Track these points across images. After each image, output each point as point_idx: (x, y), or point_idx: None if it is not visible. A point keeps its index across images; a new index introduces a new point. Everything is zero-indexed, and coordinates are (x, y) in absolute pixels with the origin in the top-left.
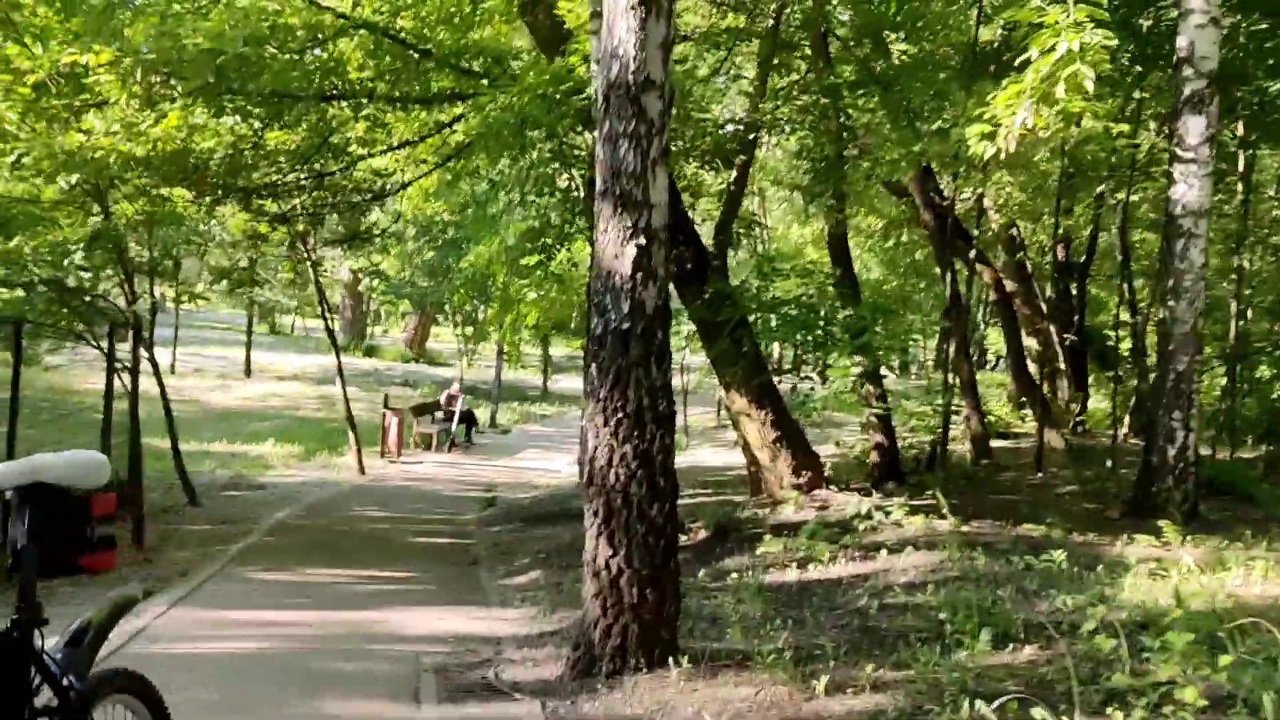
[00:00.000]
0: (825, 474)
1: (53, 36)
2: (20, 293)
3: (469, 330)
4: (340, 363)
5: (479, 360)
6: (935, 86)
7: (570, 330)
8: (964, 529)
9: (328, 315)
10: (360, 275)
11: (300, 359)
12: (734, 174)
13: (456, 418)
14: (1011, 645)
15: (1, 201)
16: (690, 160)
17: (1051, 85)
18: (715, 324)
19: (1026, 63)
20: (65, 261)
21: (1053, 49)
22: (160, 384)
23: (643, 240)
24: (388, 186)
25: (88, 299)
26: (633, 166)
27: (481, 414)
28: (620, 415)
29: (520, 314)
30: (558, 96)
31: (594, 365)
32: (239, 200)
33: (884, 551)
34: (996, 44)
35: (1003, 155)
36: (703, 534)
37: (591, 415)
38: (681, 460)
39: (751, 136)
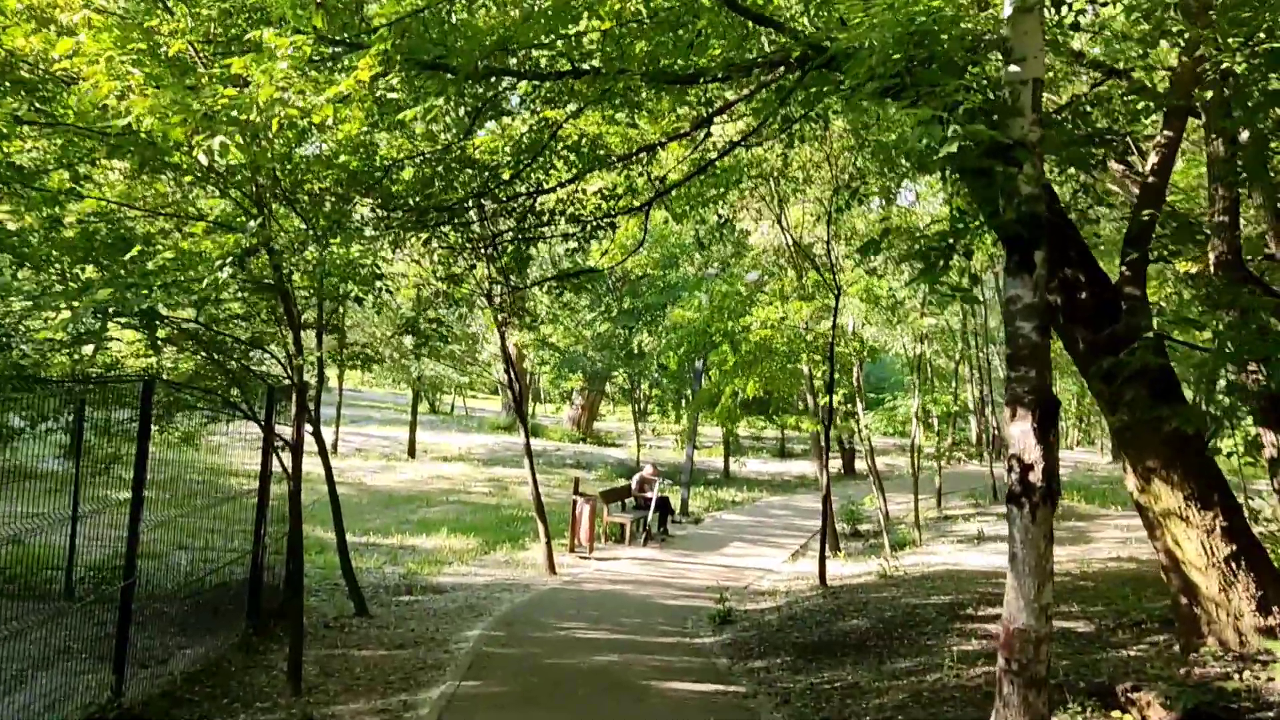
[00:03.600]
0: None
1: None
2: (151, 349)
3: (649, 406)
4: (529, 440)
5: (648, 441)
6: None
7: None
8: None
9: (515, 378)
10: (526, 349)
11: (465, 438)
12: (1152, 159)
13: (653, 505)
14: None
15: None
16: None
17: None
18: (1132, 381)
19: None
20: (211, 279)
21: None
22: (327, 465)
23: None
24: (613, 210)
25: (239, 349)
26: None
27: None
28: None
29: (738, 386)
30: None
31: None
32: (431, 228)
33: None
34: None
35: None
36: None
37: None
38: (923, 559)
39: (1194, 91)
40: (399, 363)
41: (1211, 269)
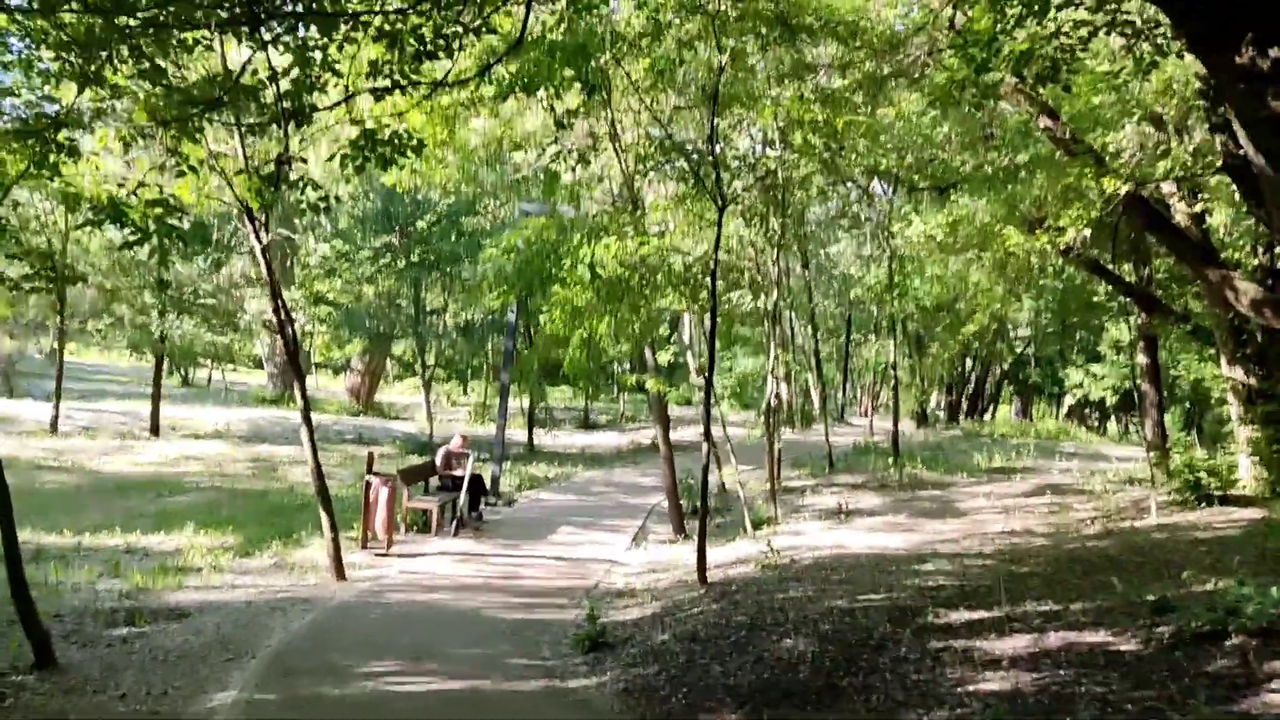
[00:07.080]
0: None
1: None
2: None
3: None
4: (307, 405)
5: (440, 413)
6: None
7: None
8: None
9: (287, 317)
10: (296, 309)
11: (223, 413)
12: None
13: (466, 486)
14: None
15: None
16: None
17: None
18: None
19: None
20: None
21: None
22: None
23: None
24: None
25: None
26: None
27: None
28: None
29: (589, 329)
30: None
31: None
32: (140, 53)
33: None
34: None
35: None
36: None
37: None
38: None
39: None
40: (136, 322)
41: None
